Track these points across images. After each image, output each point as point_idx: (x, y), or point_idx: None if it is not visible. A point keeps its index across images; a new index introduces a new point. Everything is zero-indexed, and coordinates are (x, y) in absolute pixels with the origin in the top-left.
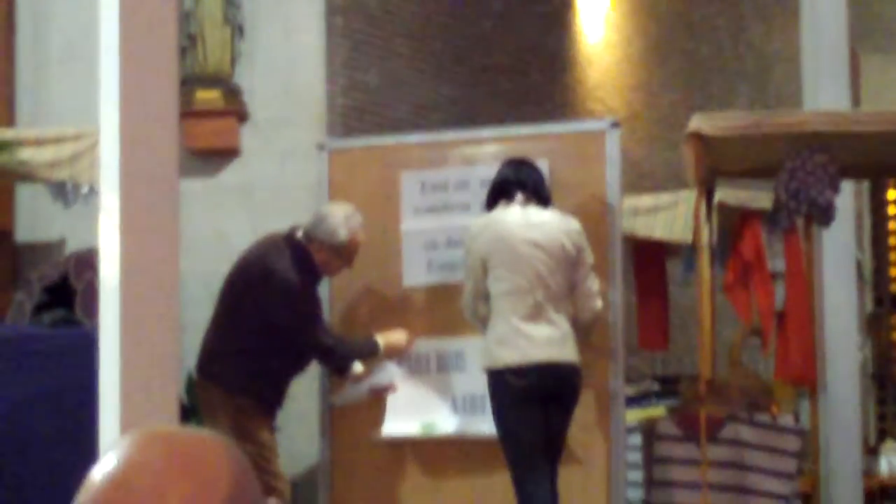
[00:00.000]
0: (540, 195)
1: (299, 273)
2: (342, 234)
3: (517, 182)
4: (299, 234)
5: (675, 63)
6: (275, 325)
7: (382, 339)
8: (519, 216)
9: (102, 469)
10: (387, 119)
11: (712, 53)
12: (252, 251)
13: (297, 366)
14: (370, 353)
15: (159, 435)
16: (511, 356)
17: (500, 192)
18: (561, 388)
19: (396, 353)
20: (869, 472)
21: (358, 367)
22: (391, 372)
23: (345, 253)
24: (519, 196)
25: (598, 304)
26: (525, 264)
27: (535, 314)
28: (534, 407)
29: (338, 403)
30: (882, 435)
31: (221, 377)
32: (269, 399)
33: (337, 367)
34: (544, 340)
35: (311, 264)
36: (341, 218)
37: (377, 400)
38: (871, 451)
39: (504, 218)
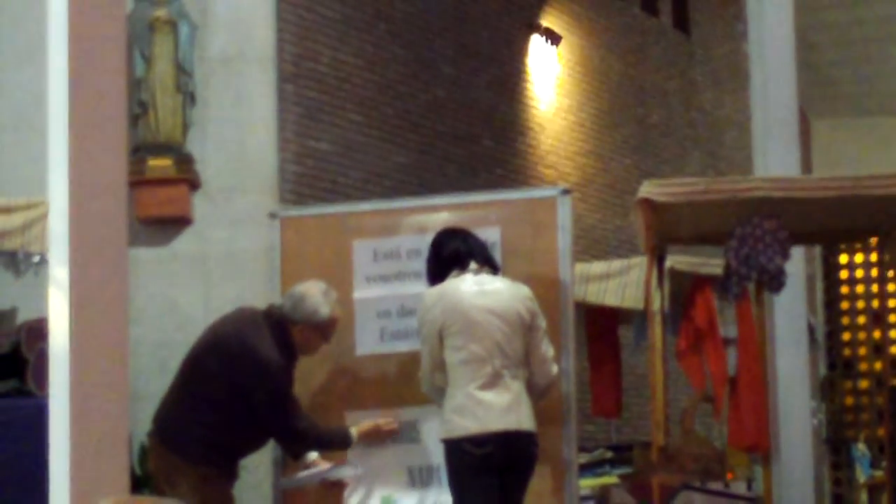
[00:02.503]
0: (490, 263)
1: (280, 354)
2: (324, 311)
3: (468, 252)
4: (277, 312)
5: (626, 129)
6: (246, 403)
7: (357, 430)
8: (473, 285)
9: None
10: (339, 186)
11: (664, 119)
12: (228, 326)
13: (260, 441)
14: (341, 446)
15: None
16: (469, 425)
17: (451, 263)
18: (518, 458)
19: (371, 440)
20: None
21: (312, 454)
22: (350, 471)
23: (327, 330)
24: (472, 265)
25: (554, 369)
26: (482, 332)
27: (493, 382)
28: (491, 476)
29: (287, 487)
30: (837, 501)
31: (183, 446)
32: (229, 469)
33: (298, 452)
34: (502, 409)
35: (291, 345)
36: (320, 296)
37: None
38: None
39: (458, 287)
